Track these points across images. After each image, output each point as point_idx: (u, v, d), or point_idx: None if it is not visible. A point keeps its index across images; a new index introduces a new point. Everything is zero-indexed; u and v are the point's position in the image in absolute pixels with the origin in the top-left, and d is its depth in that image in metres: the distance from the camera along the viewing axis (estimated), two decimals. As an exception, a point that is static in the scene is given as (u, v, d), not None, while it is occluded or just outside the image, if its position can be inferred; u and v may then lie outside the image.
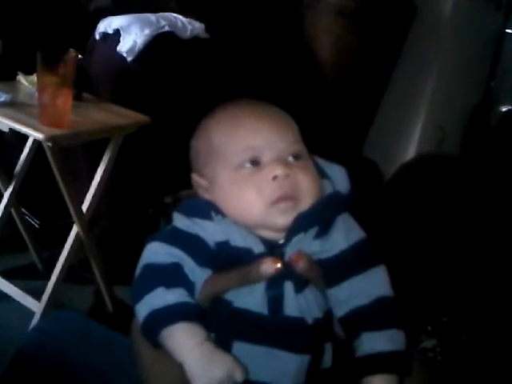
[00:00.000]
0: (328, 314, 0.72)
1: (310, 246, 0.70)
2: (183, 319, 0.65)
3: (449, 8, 2.73)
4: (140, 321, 0.67)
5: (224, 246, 0.69)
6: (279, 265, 0.67)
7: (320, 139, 2.59)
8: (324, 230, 0.71)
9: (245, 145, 0.71)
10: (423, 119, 2.82)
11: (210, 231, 0.70)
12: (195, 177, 0.75)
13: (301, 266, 0.69)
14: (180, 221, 0.71)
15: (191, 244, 0.69)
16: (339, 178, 0.75)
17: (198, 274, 0.69)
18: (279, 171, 0.69)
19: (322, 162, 0.76)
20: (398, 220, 1.09)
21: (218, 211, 0.71)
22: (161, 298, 0.66)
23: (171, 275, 0.68)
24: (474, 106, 2.99)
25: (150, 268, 0.69)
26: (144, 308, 0.67)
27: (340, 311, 0.71)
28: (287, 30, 2.65)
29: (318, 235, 0.71)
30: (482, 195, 1.06)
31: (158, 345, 0.67)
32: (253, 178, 0.70)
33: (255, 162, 0.71)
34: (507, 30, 2.95)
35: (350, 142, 2.78)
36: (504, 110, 2.94)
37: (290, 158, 0.72)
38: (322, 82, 2.67)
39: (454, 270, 1.00)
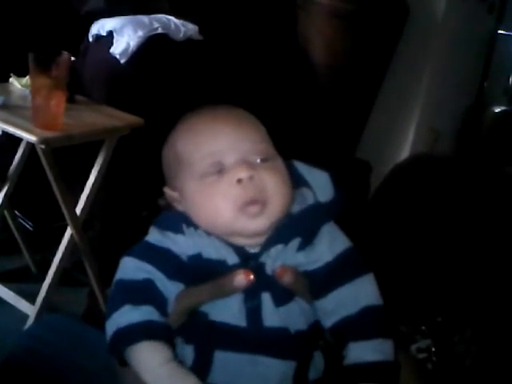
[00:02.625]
0: (315, 324, 0.71)
1: (294, 258, 0.69)
2: (147, 338, 0.65)
3: (441, 10, 2.74)
4: (107, 339, 0.67)
5: (197, 259, 0.69)
6: (252, 276, 0.67)
7: (313, 141, 2.60)
8: (307, 241, 0.70)
9: (206, 150, 0.70)
10: (416, 120, 2.82)
11: (182, 245, 0.69)
12: (167, 190, 0.74)
13: (286, 280, 0.68)
14: (153, 235, 0.71)
15: (162, 259, 0.69)
16: (322, 186, 0.73)
17: (170, 289, 0.68)
18: (242, 173, 0.68)
19: (303, 169, 0.74)
20: (391, 221, 1.10)
21: (190, 223, 0.70)
22: (126, 316, 0.66)
23: (140, 292, 0.67)
24: (467, 107, 2.99)
25: (120, 285, 0.68)
26: (110, 326, 0.66)
27: (328, 322, 0.70)
28: (280, 32, 2.65)
29: (302, 247, 0.70)
30: (475, 196, 1.06)
31: (124, 363, 0.66)
32: (217, 184, 0.69)
33: (220, 169, 0.70)
34: (500, 32, 2.97)
35: (344, 144, 2.79)
36: (497, 111, 2.95)
37: (256, 160, 0.70)
38: (315, 84, 2.67)
39: (449, 270, 1.00)
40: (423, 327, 0.95)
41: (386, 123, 2.87)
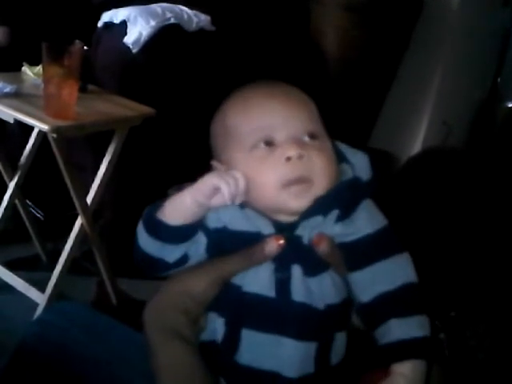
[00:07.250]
0: (346, 301, 0.71)
1: (332, 229, 0.69)
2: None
3: (456, 2, 2.72)
4: (140, 223, 0.73)
5: (225, 231, 0.69)
6: (282, 241, 0.67)
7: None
8: (346, 213, 0.70)
9: (257, 124, 0.70)
10: (429, 114, 2.81)
11: (211, 218, 0.70)
12: (214, 163, 0.74)
13: (322, 248, 0.68)
14: None
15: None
16: (361, 164, 0.73)
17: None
18: (292, 152, 0.68)
19: (344, 147, 0.74)
20: (403, 215, 1.09)
21: None
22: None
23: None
24: (481, 102, 2.97)
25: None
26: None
27: (364, 297, 0.70)
28: (294, 24, 2.64)
29: (340, 219, 0.69)
30: (488, 191, 1.05)
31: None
32: (266, 158, 0.69)
33: (269, 143, 0.70)
34: (515, 25, 2.93)
35: (356, 137, 2.77)
36: (510, 105, 2.92)
37: (306, 138, 0.70)
38: (328, 76, 2.66)
39: (463, 264, 1.00)
40: (436, 322, 0.94)
41: (398, 116, 2.85)
